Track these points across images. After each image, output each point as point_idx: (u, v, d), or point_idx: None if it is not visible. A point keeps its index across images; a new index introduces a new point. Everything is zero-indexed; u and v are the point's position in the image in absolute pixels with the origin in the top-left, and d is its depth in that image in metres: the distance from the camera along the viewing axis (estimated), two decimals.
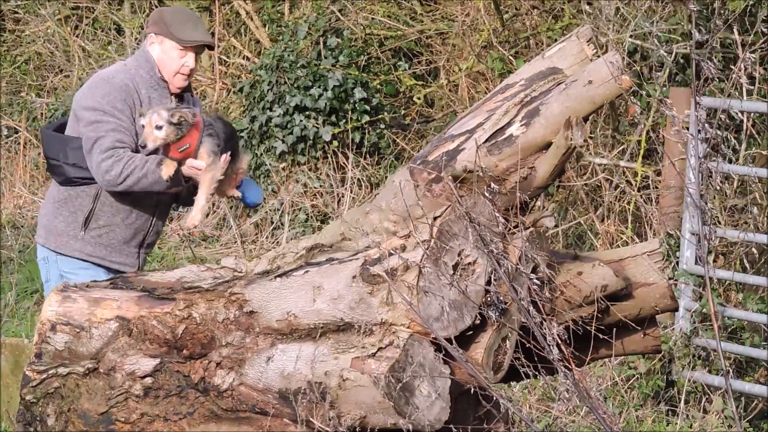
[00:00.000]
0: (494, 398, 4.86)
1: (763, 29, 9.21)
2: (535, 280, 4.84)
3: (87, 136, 6.02)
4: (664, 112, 4.48)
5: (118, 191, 6.05)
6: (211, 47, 6.26)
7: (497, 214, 4.90)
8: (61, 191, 6.21)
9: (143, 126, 5.76)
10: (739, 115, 9.30)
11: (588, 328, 5.18)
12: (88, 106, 6.09)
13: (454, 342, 4.80)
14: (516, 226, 5.07)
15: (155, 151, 5.83)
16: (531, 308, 4.72)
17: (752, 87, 9.53)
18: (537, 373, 4.79)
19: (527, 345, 4.83)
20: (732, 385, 8.17)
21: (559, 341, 4.56)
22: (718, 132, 4.52)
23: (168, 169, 5.80)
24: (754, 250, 9.13)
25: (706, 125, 4.34)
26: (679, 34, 9.88)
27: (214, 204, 11.21)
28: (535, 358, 4.77)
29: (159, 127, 5.71)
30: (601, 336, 5.25)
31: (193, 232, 5.68)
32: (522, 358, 4.86)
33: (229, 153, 5.89)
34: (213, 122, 5.89)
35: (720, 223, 8.84)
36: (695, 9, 4.39)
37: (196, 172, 5.87)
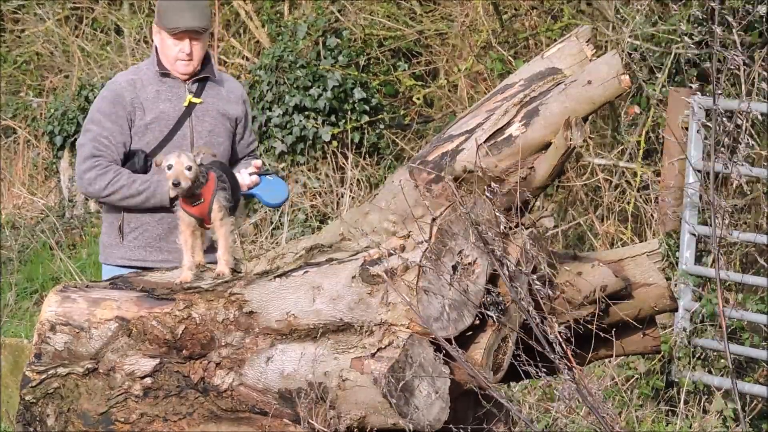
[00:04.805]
0: (494, 399, 4.86)
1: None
2: (536, 280, 4.84)
3: (78, 143, 6.17)
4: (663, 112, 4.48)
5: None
6: (198, 31, 6.12)
7: (498, 214, 4.90)
8: (105, 208, 6.29)
9: (170, 166, 5.54)
10: (739, 115, 9.28)
11: (589, 327, 5.18)
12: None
13: (453, 342, 4.79)
14: (516, 226, 5.08)
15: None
16: (531, 308, 4.72)
17: (752, 87, 9.54)
18: (538, 371, 4.79)
19: (528, 344, 4.83)
20: (731, 385, 8.17)
21: (561, 340, 4.56)
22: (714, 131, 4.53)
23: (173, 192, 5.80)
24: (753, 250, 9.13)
25: (707, 124, 4.35)
26: (678, 35, 9.88)
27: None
28: (537, 358, 4.77)
29: (189, 168, 5.53)
30: (601, 335, 5.25)
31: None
32: (524, 357, 4.85)
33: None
34: (223, 173, 5.74)
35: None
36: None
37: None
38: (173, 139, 6.15)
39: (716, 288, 8.46)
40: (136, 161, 6.15)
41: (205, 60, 6.23)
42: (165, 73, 6.18)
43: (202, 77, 6.22)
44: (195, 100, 6.19)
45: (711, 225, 4.46)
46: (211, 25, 6.26)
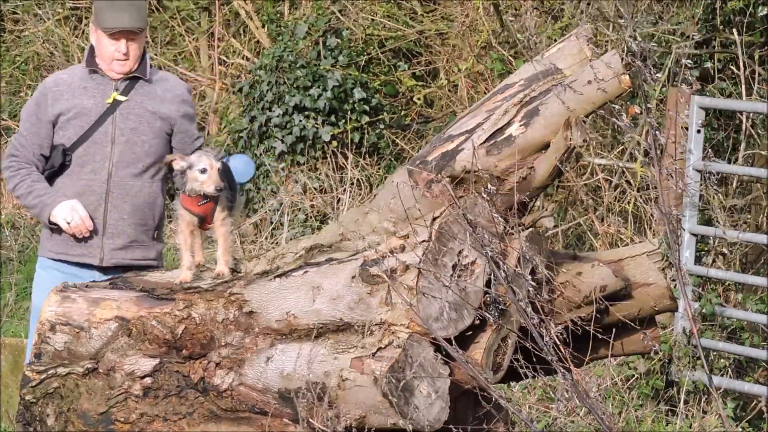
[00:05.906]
0: (494, 399, 4.86)
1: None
2: (532, 282, 4.84)
3: None
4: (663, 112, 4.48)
5: None
6: (134, 32, 6.14)
7: (496, 215, 4.90)
8: None
9: (203, 170, 5.48)
10: (739, 115, 9.31)
11: (587, 328, 5.18)
12: None
13: (453, 342, 4.79)
14: (517, 226, 5.07)
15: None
16: (529, 309, 4.72)
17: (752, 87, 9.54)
18: (536, 373, 4.79)
19: (526, 345, 4.83)
20: (732, 385, 8.17)
21: (557, 342, 4.56)
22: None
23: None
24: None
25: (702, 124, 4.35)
26: (678, 35, 9.88)
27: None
28: (534, 359, 4.77)
29: (219, 170, 5.48)
30: (600, 336, 5.25)
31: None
32: (521, 359, 4.86)
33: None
34: (225, 173, 5.69)
35: (720, 222, 8.84)
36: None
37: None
38: (93, 135, 6.18)
39: (715, 287, 8.46)
40: (55, 156, 6.21)
41: (141, 59, 6.25)
42: (93, 71, 6.20)
43: (132, 76, 6.23)
44: (120, 97, 6.20)
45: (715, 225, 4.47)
46: (147, 25, 6.28)
